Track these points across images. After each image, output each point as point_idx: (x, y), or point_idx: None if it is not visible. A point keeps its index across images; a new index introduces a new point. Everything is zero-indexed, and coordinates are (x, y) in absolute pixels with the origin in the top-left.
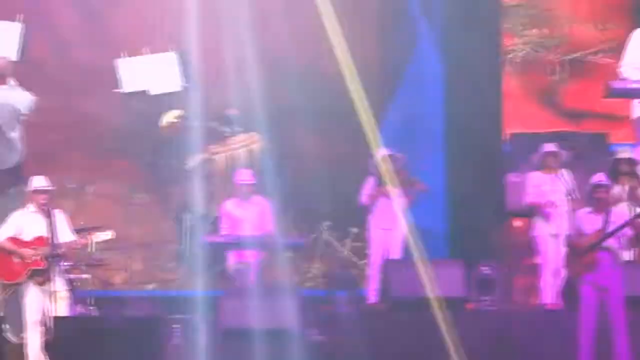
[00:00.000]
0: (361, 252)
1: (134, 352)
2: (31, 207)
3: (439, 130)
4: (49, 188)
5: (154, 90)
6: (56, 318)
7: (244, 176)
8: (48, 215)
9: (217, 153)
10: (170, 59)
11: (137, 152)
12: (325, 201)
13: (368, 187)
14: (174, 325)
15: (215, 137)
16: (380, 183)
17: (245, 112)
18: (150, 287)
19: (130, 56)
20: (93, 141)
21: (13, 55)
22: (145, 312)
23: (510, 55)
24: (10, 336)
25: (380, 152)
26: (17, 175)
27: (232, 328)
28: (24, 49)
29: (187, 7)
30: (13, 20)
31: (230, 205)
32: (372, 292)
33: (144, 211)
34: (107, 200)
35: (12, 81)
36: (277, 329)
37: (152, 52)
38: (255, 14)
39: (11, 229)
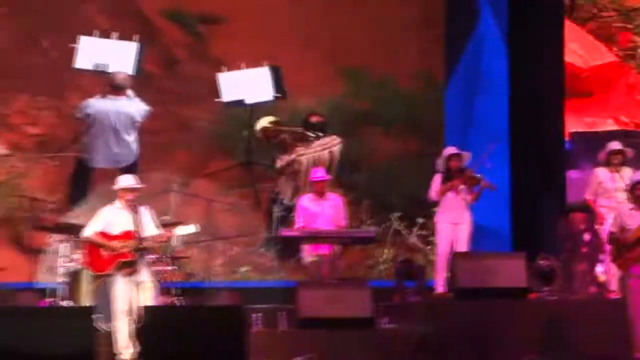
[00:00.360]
0: (426, 240)
1: (215, 339)
2: (118, 204)
3: (503, 129)
4: (136, 186)
5: (249, 100)
6: (143, 307)
7: (319, 174)
8: (135, 211)
9: (302, 155)
10: (263, 72)
11: (239, 152)
12: (395, 194)
13: (436, 183)
14: (253, 314)
15: (301, 140)
16: (447, 180)
17: (327, 118)
18: (233, 277)
19: (229, 70)
20: (195, 143)
21: (130, 71)
22: (227, 302)
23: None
24: (100, 324)
25: (448, 151)
26: (133, 172)
27: (309, 317)
28: (139, 65)
29: (276, 29)
30: (130, 40)
31: (306, 201)
32: (439, 283)
33: (238, 204)
34: (206, 195)
35: (129, 92)
36: (350, 318)
37: (248, 67)
38: (335, 32)
39: (100, 224)
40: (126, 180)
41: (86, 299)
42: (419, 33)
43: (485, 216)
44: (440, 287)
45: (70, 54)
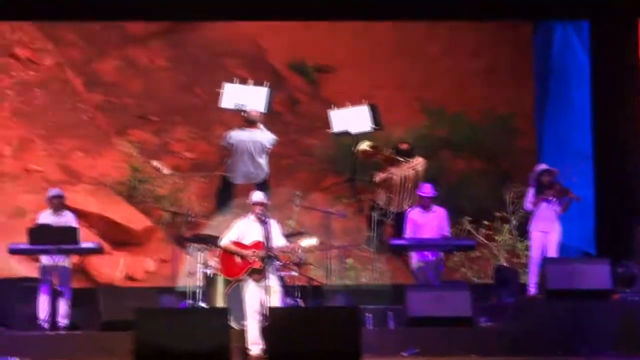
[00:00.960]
0: (491, 237)
1: (333, 336)
2: (251, 217)
3: (587, 145)
4: (265, 201)
5: (353, 131)
6: (271, 308)
7: (427, 190)
8: (264, 223)
9: (394, 173)
10: (364, 109)
11: (346, 170)
12: (465, 203)
13: (530, 196)
14: (367, 314)
15: (392, 162)
16: (538, 192)
17: (413, 145)
18: (346, 281)
19: (337, 108)
20: (312, 165)
21: (262, 109)
22: (343, 303)
23: None
24: (233, 324)
25: (539, 167)
26: (265, 188)
27: (416, 316)
28: (270, 104)
29: (374, 75)
30: (262, 86)
31: (414, 213)
32: (531, 285)
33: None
34: (321, 205)
35: (261, 126)
36: (452, 317)
37: (352, 105)
38: (421, 78)
39: (235, 234)
40: (257, 196)
41: (221, 301)
42: (483, 79)
43: (575, 224)
44: (532, 289)
45: (216, 96)
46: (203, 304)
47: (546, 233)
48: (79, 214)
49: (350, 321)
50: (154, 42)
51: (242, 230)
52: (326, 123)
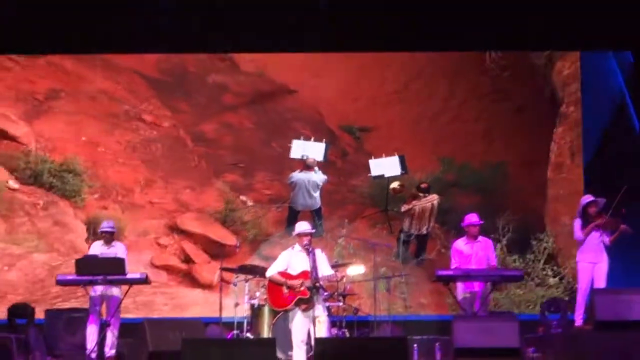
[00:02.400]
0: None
1: None
2: (297, 247)
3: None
4: (311, 231)
5: (386, 174)
6: (317, 339)
7: (474, 219)
8: (310, 253)
9: (415, 205)
10: (395, 159)
11: (381, 203)
12: None
13: (577, 226)
14: (413, 345)
15: (415, 197)
16: (586, 223)
17: (430, 184)
18: (394, 311)
19: (375, 158)
20: (356, 199)
21: (321, 159)
22: (389, 333)
23: None
24: (279, 354)
25: (585, 199)
26: (319, 215)
27: (463, 347)
28: (326, 155)
29: (402, 134)
30: (321, 142)
31: (460, 244)
32: (579, 316)
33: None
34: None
35: (316, 169)
36: (499, 347)
37: (386, 156)
38: (437, 138)
39: (282, 264)
40: (303, 227)
41: (267, 331)
42: (482, 138)
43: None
44: (579, 320)
45: (287, 150)
46: (249, 335)
47: (594, 264)
48: (188, 234)
49: (398, 352)
50: (242, 110)
51: (289, 260)
52: (367, 169)
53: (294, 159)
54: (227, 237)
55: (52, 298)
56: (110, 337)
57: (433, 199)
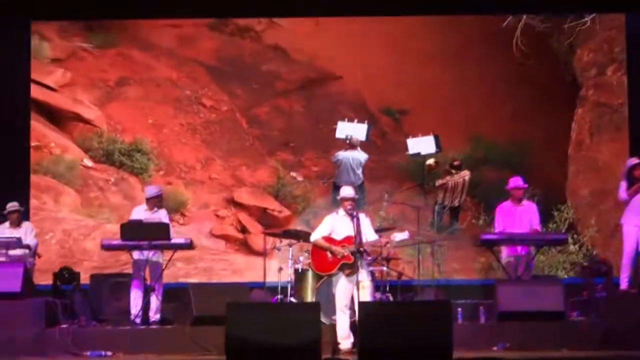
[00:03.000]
0: None
1: (424, 331)
2: (341, 212)
3: None
4: (354, 196)
5: (423, 152)
6: (361, 303)
7: (518, 181)
8: (354, 217)
9: (448, 180)
10: (430, 138)
11: (417, 178)
12: (494, 200)
13: (622, 188)
14: (457, 308)
15: (448, 173)
16: (631, 185)
17: (462, 161)
18: (436, 276)
19: (412, 137)
20: (395, 174)
21: (363, 139)
22: (434, 297)
23: None
24: (323, 318)
25: (631, 161)
26: (362, 190)
27: (506, 310)
28: (368, 135)
29: (437, 115)
30: (364, 123)
31: (504, 207)
32: (624, 280)
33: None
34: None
35: (358, 148)
36: (543, 311)
37: (422, 135)
38: (469, 116)
39: (326, 229)
40: (347, 191)
41: (310, 296)
42: (508, 118)
43: None
44: (624, 284)
45: (333, 130)
46: (293, 299)
47: (639, 227)
48: (243, 206)
49: (442, 316)
50: (292, 95)
51: (333, 225)
52: (404, 147)
53: (338, 139)
54: (278, 210)
55: (122, 265)
56: (155, 301)
57: (465, 174)
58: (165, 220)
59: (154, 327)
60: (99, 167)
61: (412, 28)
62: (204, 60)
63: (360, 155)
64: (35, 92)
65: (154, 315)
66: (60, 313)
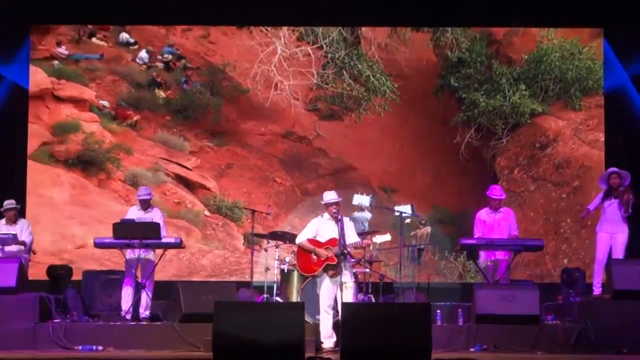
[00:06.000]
0: None
1: (405, 331)
2: (326, 215)
3: None
4: (338, 200)
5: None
6: (344, 304)
7: (497, 192)
8: (338, 221)
9: (417, 232)
10: (408, 207)
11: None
12: None
13: (597, 198)
14: (437, 310)
15: (417, 227)
16: (607, 195)
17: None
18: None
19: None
20: (389, 227)
21: (367, 204)
22: (414, 300)
23: None
24: (307, 318)
25: (609, 170)
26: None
27: (484, 313)
28: (371, 202)
29: None
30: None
31: (482, 214)
32: (597, 286)
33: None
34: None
35: (365, 210)
36: (520, 315)
37: (404, 204)
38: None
39: (311, 232)
40: (331, 196)
41: (295, 296)
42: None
43: None
44: (597, 289)
45: (351, 199)
46: (279, 299)
47: (612, 234)
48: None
49: (421, 317)
50: (328, 177)
51: (317, 228)
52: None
53: (354, 205)
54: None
55: None
56: (145, 298)
57: (427, 229)
58: (158, 220)
59: (143, 323)
60: (212, 216)
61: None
62: (277, 154)
63: (367, 215)
64: (177, 169)
65: (144, 312)
66: (54, 308)
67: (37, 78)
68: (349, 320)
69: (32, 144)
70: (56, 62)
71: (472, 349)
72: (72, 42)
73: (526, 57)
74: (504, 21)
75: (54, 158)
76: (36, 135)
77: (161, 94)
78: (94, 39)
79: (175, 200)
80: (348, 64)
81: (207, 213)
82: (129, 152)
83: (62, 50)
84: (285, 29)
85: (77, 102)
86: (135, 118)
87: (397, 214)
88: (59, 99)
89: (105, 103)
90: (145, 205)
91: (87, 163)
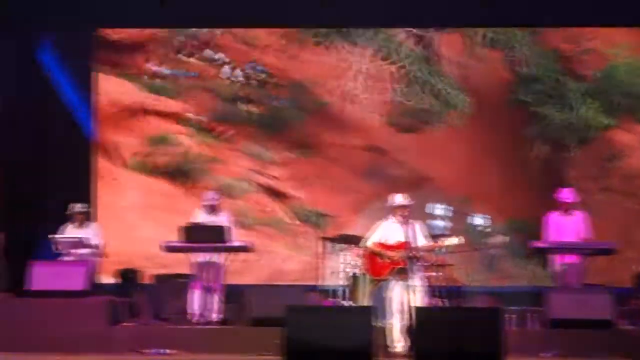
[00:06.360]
0: None
1: (476, 336)
2: (394, 218)
3: None
4: (408, 204)
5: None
6: (416, 308)
7: (567, 195)
8: (407, 224)
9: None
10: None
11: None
12: None
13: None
14: (508, 315)
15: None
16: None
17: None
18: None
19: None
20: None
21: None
22: (485, 304)
23: None
24: (376, 321)
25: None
26: None
27: (556, 318)
28: None
29: None
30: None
31: (554, 217)
32: None
33: None
34: None
35: None
36: (592, 319)
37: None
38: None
39: (379, 235)
40: (400, 199)
41: (364, 299)
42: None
43: None
44: None
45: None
46: (348, 302)
47: None
48: None
49: (493, 322)
50: (409, 190)
51: (385, 231)
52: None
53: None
54: None
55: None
56: (215, 302)
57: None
58: (227, 223)
59: (213, 326)
60: (294, 223)
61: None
62: (356, 165)
63: (441, 223)
64: (263, 180)
65: (214, 316)
66: (124, 311)
67: (131, 92)
68: (421, 324)
69: (125, 154)
70: (147, 77)
71: (544, 355)
72: (163, 59)
73: (595, 73)
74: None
75: (147, 168)
76: (129, 145)
77: (248, 108)
78: (181, 56)
79: (263, 208)
80: (423, 79)
81: (288, 220)
82: (218, 163)
83: (154, 66)
84: (363, 45)
85: (169, 116)
86: (224, 131)
87: (471, 222)
88: (153, 113)
89: (195, 116)
90: (212, 209)
91: (178, 173)
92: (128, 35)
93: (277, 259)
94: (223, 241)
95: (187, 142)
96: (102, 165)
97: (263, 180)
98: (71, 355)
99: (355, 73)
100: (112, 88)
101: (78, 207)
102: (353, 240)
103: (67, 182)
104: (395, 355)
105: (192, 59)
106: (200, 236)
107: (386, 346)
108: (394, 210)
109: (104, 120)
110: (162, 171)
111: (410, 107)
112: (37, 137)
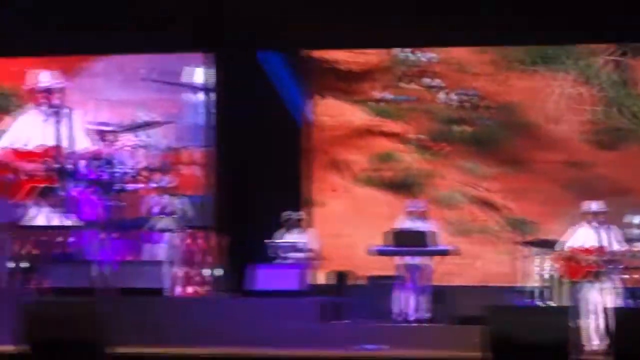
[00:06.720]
0: None
1: None
2: (589, 224)
3: None
4: (603, 210)
5: None
6: (612, 308)
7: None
8: (602, 229)
9: None
10: None
11: None
12: None
13: None
14: None
15: None
16: None
17: None
18: None
19: None
20: None
21: None
22: None
23: None
24: (572, 321)
25: None
26: None
27: None
28: None
29: None
30: None
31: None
32: None
33: None
34: None
35: None
36: None
37: None
38: None
39: (575, 240)
40: (595, 206)
41: (560, 300)
42: None
43: None
44: None
45: None
46: (546, 303)
47: None
48: None
49: None
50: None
51: (581, 236)
52: None
53: None
54: None
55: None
56: (421, 301)
57: None
58: (430, 228)
59: (419, 324)
60: (504, 231)
61: None
62: (561, 180)
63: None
64: (476, 192)
65: (420, 314)
66: (339, 311)
67: (359, 116)
68: (619, 325)
69: (355, 170)
70: (373, 102)
71: None
72: (386, 86)
73: None
74: None
75: (374, 181)
76: (358, 162)
77: (462, 128)
78: (402, 83)
79: (475, 218)
80: (620, 101)
81: (498, 228)
82: (436, 177)
83: (379, 93)
84: (565, 71)
85: (393, 136)
86: (441, 149)
87: None
88: (378, 133)
89: (415, 136)
90: (417, 216)
91: (401, 186)
92: (357, 66)
93: (488, 262)
94: (426, 245)
95: (409, 159)
96: (332, 179)
97: (476, 192)
98: (286, 349)
99: (557, 97)
100: (336, 111)
101: (294, 215)
102: (550, 245)
103: (281, 187)
104: (591, 353)
105: (411, 85)
106: (407, 240)
107: (581, 345)
108: (589, 216)
109: (333, 139)
110: (387, 184)
111: (609, 125)
112: (263, 150)
